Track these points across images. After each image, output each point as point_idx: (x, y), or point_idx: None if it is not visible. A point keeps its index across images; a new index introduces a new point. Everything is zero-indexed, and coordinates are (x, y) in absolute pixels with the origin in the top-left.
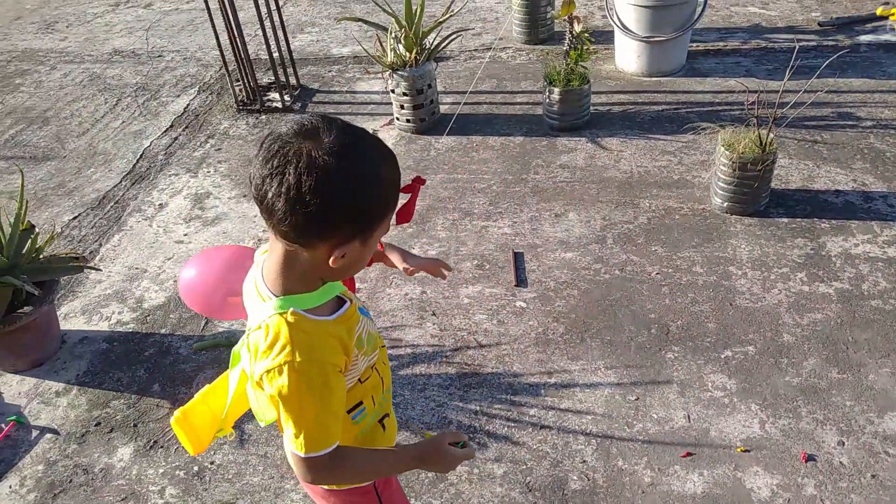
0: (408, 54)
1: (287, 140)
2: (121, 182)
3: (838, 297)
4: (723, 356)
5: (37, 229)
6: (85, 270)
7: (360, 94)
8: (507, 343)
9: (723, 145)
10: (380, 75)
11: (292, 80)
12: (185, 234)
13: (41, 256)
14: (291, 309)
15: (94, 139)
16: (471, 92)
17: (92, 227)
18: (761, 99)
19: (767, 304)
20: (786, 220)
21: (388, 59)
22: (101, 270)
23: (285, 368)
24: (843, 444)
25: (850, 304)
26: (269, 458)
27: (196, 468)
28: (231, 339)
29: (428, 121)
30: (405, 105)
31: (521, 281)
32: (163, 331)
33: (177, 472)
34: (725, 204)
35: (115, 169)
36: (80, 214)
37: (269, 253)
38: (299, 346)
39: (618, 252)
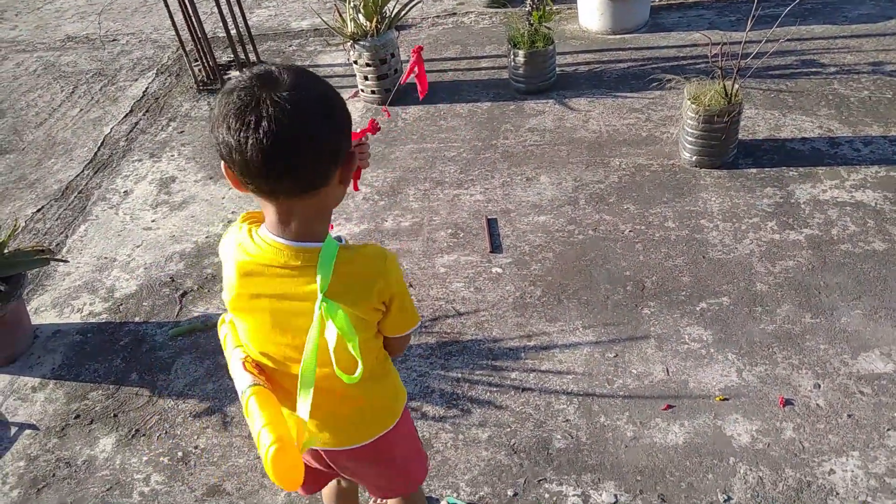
0: (368, 24)
1: (270, 97)
2: (83, 171)
3: (808, 244)
4: (698, 308)
5: (8, 225)
6: (52, 263)
7: (323, 67)
8: (486, 309)
9: (689, 99)
10: (341, 47)
11: (252, 58)
12: (153, 221)
13: (5, 251)
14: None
15: (52, 129)
16: (435, 59)
17: (57, 219)
18: (725, 50)
19: (739, 254)
20: (754, 170)
21: (349, 30)
22: (68, 262)
23: (391, 264)
24: (819, 386)
25: (820, 249)
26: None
27: (180, 454)
28: (207, 322)
29: (393, 91)
30: (369, 76)
31: (495, 247)
32: (136, 319)
33: (161, 459)
34: (694, 158)
35: (77, 158)
36: (43, 207)
37: (281, 223)
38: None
39: (590, 212)
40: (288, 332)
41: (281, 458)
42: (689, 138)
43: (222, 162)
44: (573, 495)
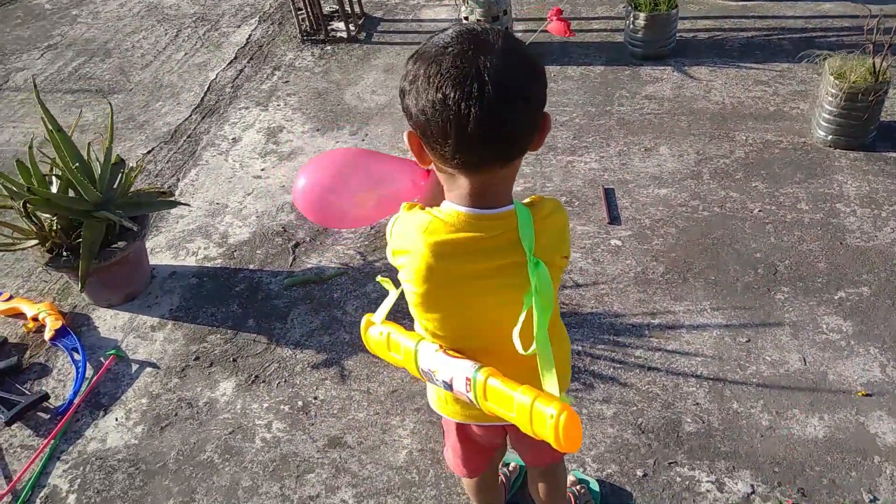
0: None
1: (488, 61)
2: (191, 115)
3: None
4: (836, 297)
5: (127, 164)
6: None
7: (426, 22)
8: (605, 282)
9: (831, 74)
10: (448, 1)
11: (356, 9)
12: (262, 169)
13: (131, 191)
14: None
15: (158, 71)
16: (543, 19)
17: (167, 162)
18: (880, 24)
19: (880, 242)
20: (894, 154)
21: None
22: (190, 206)
23: (561, 208)
24: None
25: None
26: (373, 394)
27: (300, 403)
28: (321, 274)
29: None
30: None
31: (613, 218)
32: (251, 266)
33: (281, 407)
34: (830, 137)
35: (184, 102)
36: (153, 149)
37: (475, 196)
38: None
39: (715, 188)
40: (490, 308)
41: (573, 422)
42: (827, 116)
43: (408, 135)
44: (707, 481)
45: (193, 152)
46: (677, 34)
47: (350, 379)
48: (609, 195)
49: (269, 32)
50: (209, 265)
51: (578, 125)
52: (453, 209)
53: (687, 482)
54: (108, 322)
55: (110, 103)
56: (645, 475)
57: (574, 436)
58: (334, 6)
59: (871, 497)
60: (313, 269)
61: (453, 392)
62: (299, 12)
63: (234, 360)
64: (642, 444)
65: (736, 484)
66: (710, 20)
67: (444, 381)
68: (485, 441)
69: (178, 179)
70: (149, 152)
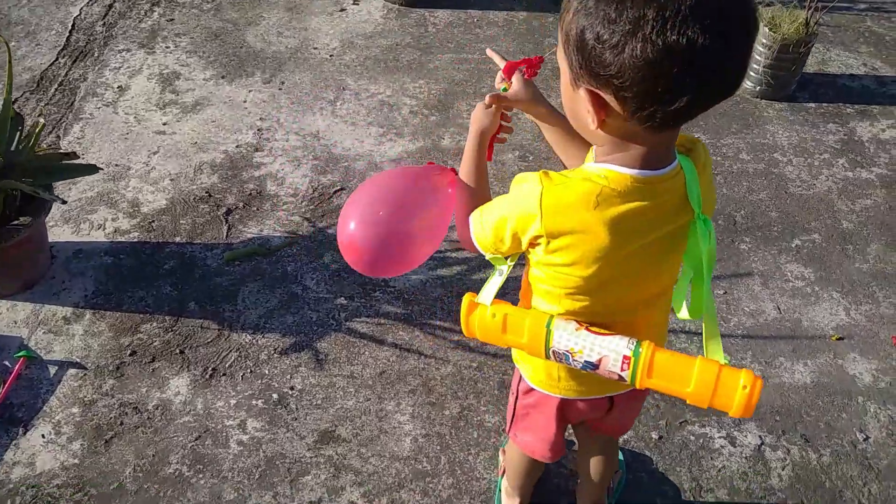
0: None
1: None
2: (57, 59)
3: (881, 183)
4: (793, 245)
5: (27, 119)
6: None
7: None
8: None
9: (766, 25)
10: None
11: None
12: (165, 123)
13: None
14: None
15: (3, 4)
16: None
17: (39, 115)
18: None
19: (819, 190)
20: (813, 105)
21: None
22: (101, 170)
23: (707, 150)
24: None
25: (892, 189)
26: (359, 378)
27: (275, 396)
28: (266, 245)
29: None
30: None
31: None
32: (177, 239)
33: (253, 403)
34: (758, 88)
35: (45, 43)
36: (17, 99)
37: (652, 156)
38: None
39: None
40: (650, 277)
41: (759, 389)
42: (756, 67)
43: (589, 94)
44: (719, 437)
45: (71, 104)
46: None
47: (328, 363)
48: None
49: None
50: (123, 240)
51: None
52: (621, 173)
53: (701, 440)
54: (5, 315)
55: (6, 41)
56: (661, 437)
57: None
58: None
59: (864, 436)
60: (255, 239)
61: (597, 372)
62: None
63: (182, 352)
64: (651, 406)
65: (746, 437)
66: None
67: (587, 362)
68: (584, 416)
69: (59, 137)
70: (13, 102)
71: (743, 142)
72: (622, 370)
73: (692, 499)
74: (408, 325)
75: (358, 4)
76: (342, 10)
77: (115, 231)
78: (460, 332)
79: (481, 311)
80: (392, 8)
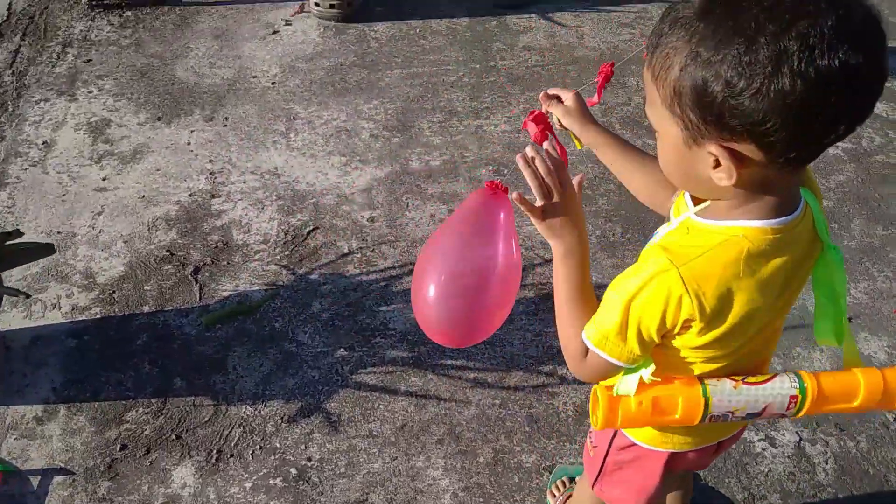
0: None
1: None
2: None
3: (848, 157)
4: None
5: None
6: None
7: None
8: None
9: None
10: None
11: None
12: (105, 179)
13: None
14: None
15: None
16: None
17: None
18: None
19: None
20: None
21: None
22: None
23: None
24: None
25: (860, 162)
26: (379, 437)
27: (293, 471)
28: (246, 302)
29: (355, 4)
30: None
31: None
32: (145, 308)
33: (271, 482)
34: None
35: None
36: None
37: (785, 198)
38: None
39: (631, 138)
40: (783, 312)
41: None
42: None
43: (727, 154)
44: (759, 440)
45: None
46: None
47: (342, 424)
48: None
49: (38, 0)
50: (84, 317)
51: (470, 84)
52: (760, 227)
53: (742, 446)
54: None
55: None
56: None
57: None
58: None
59: (894, 416)
60: (233, 297)
61: (762, 418)
62: None
63: (179, 437)
64: None
65: (784, 436)
66: None
67: (749, 414)
68: (693, 465)
69: None
70: None
71: None
72: (788, 409)
73: None
74: (418, 370)
75: (291, 25)
76: (275, 32)
77: (73, 309)
78: (474, 368)
79: (624, 404)
80: (328, 25)
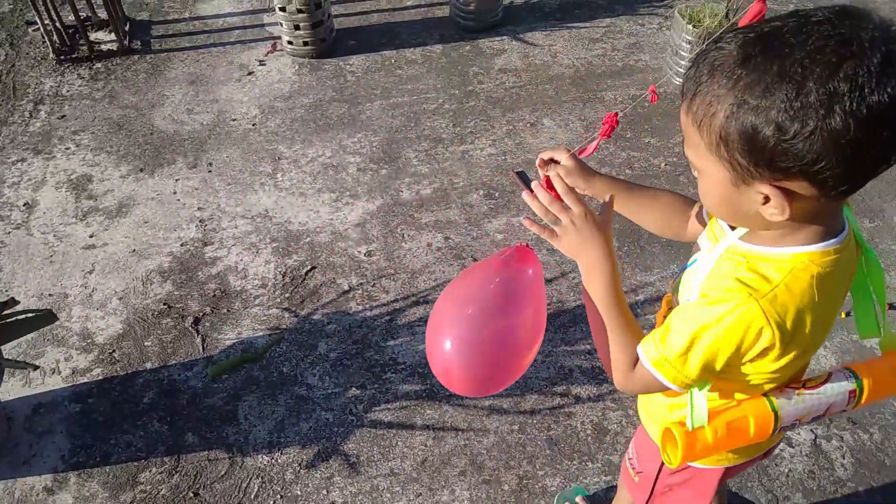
0: None
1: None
2: None
3: None
4: None
5: None
6: None
7: (208, 18)
8: (572, 271)
9: (688, 22)
10: None
11: (117, 14)
12: (92, 236)
13: None
14: None
15: None
16: (347, 1)
17: None
18: None
19: None
20: None
21: None
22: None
23: None
24: None
25: None
26: (401, 474)
27: None
28: (251, 350)
29: (328, 40)
30: (301, 24)
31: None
32: (148, 365)
33: None
34: None
35: None
36: None
37: (836, 220)
38: None
39: (616, 151)
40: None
41: None
42: (684, 63)
43: (780, 195)
44: (779, 449)
45: None
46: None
47: (362, 465)
48: (524, 179)
49: (5, 58)
50: (86, 380)
51: (451, 110)
52: (823, 250)
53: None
54: None
55: None
56: None
57: None
58: (85, 13)
59: None
60: (236, 345)
61: (823, 418)
62: (33, 27)
63: (196, 494)
64: None
65: (799, 435)
66: None
67: (814, 418)
68: (740, 472)
69: None
70: None
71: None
72: (848, 404)
73: None
74: (433, 402)
75: (265, 65)
76: (250, 73)
77: (74, 372)
78: (489, 396)
79: (702, 438)
80: (302, 63)
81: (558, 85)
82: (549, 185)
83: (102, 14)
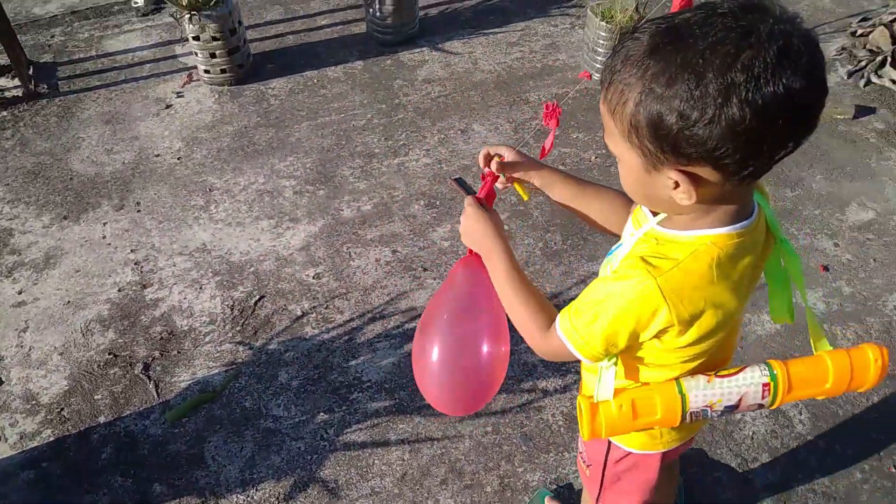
0: None
1: (780, 19)
2: None
3: None
4: None
5: None
6: None
7: (118, 55)
8: (522, 268)
9: (601, 19)
10: (134, 26)
11: (19, 59)
12: (21, 292)
13: None
14: None
15: None
16: (259, 25)
17: None
18: None
19: None
20: None
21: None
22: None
23: None
24: (838, 245)
25: None
26: (383, 492)
27: None
28: (206, 389)
29: (246, 65)
30: (217, 52)
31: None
32: (101, 419)
33: None
34: None
35: None
36: None
37: (746, 203)
38: None
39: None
40: (746, 303)
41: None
42: (601, 59)
43: (685, 178)
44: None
45: None
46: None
47: (342, 489)
48: (462, 185)
49: None
50: (36, 444)
51: (381, 125)
52: (726, 233)
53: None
54: None
55: None
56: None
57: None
58: None
59: None
60: (192, 386)
61: (737, 411)
62: None
63: None
64: None
65: (800, 414)
66: None
67: (727, 407)
68: (676, 456)
69: None
70: None
71: None
72: (763, 398)
73: (746, 473)
74: (403, 415)
75: (183, 96)
76: (168, 106)
77: (22, 437)
78: None
79: (605, 409)
80: (222, 91)
81: (483, 90)
82: (493, 180)
83: (3, 59)
